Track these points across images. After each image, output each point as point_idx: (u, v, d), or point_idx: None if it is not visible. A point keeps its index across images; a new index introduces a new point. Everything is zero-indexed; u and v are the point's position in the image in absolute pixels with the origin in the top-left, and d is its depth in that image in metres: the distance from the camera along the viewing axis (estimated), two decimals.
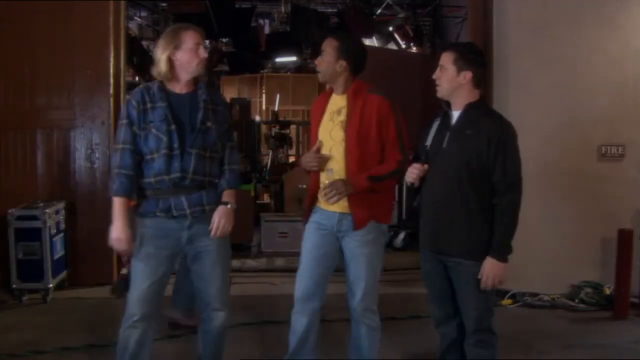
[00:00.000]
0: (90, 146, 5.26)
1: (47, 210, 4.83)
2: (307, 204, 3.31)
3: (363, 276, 3.16)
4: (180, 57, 2.94)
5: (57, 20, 5.17)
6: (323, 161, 3.12)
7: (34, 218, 4.79)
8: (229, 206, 3.03)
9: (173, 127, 2.90)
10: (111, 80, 5.26)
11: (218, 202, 3.03)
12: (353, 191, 3.04)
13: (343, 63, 3.11)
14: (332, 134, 3.13)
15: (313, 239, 3.24)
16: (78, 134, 5.26)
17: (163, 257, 2.99)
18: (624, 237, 4.68)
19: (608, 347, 4.12)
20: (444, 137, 2.88)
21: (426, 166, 2.92)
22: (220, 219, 3.00)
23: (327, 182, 3.09)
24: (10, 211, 4.82)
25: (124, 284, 3.07)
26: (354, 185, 3.03)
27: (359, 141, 3.06)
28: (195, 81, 3.02)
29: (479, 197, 2.76)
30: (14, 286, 4.83)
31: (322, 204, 3.20)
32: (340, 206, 3.11)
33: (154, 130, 2.90)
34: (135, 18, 12.81)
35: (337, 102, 3.18)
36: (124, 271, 3.18)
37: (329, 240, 3.20)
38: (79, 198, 5.27)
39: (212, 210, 3.01)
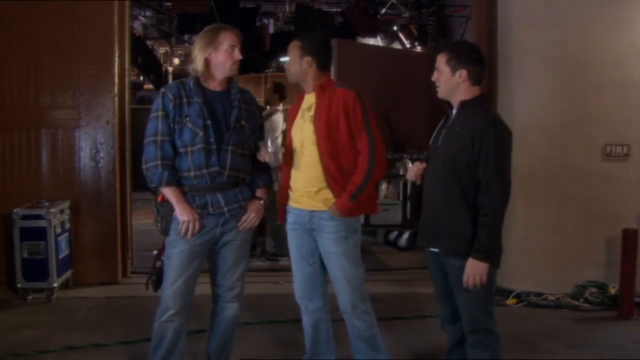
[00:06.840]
0: (95, 145, 5.26)
1: (52, 210, 4.84)
2: (279, 204, 3.36)
3: (340, 275, 3.20)
4: (216, 57, 3.01)
5: (61, 20, 5.17)
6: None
7: (38, 217, 4.79)
8: (261, 202, 3.17)
9: (209, 122, 2.98)
10: (116, 80, 5.27)
11: (251, 197, 3.14)
12: (345, 215, 3.10)
13: (308, 59, 3.17)
14: (302, 129, 3.19)
15: (293, 239, 3.32)
16: (83, 134, 5.26)
17: (197, 252, 3.06)
18: (629, 237, 4.66)
19: (613, 347, 4.10)
20: (440, 135, 2.90)
21: (424, 164, 2.96)
22: (251, 213, 3.12)
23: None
24: (15, 211, 4.83)
25: (161, 277, 3.12)
26: (342, 212, 3.09)
27: (327, 133, 3.10)
28: (228, 80, 3.11)
29: (464, 194, 2.73)
30: (19, 285, 4.84)
31: (292, 202, 3.27)
32: (309, 204, 3.18)
33: (189, 125, 2.96)
34: (140, 18, 12.84)
35: (308, 100, 3.24)
36: (158, 264, 3.21)
37: (307, 238, 3.26)
38: (83, 197, 5.27)
39: (246, 206, 3.12)
